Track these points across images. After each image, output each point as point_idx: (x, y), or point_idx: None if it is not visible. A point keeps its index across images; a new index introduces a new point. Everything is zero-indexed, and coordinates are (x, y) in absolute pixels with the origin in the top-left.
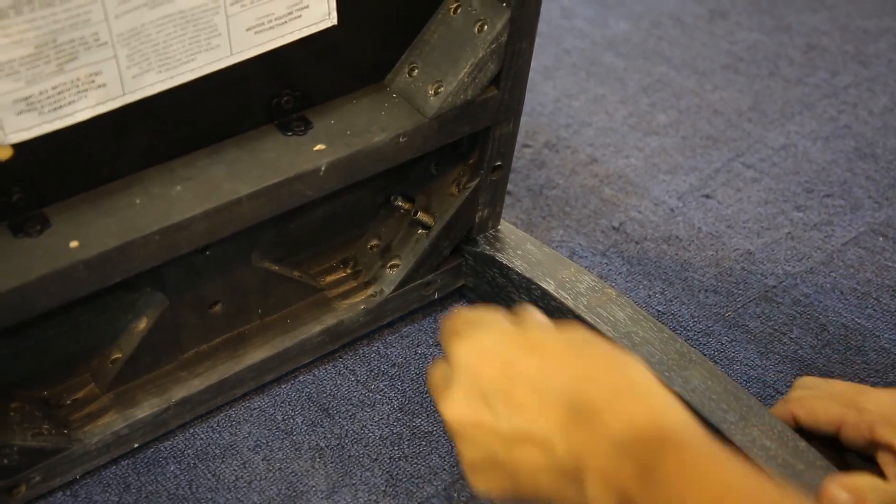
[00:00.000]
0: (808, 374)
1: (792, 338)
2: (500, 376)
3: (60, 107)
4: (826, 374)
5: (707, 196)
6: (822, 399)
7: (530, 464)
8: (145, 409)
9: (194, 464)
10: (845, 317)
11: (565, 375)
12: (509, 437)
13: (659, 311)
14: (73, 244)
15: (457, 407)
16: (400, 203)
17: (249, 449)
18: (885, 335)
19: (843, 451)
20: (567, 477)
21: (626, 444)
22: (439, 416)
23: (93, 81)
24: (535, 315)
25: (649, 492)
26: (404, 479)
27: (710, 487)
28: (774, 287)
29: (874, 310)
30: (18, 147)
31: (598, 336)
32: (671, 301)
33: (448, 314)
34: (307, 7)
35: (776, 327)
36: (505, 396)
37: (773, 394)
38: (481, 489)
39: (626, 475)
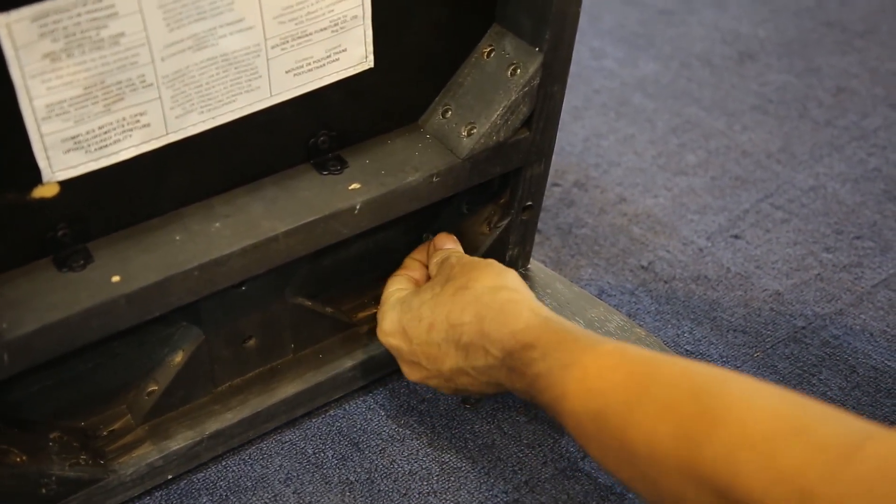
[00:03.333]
0: None
1: (821, 379)
2: (407, 345)
3: (106, 145)
4: None
5: (736, 236)
6: None
7: (470, 384)
8: (179, 442)
9: (226, 496)
10: (875, 359)
11: (442, 326)
12: (445, 375)
13: (688, 350)
14: (115, 279)
15: (408, 374)
16: None
17: (280, 482)
18: None
19: None
20: (496, 385)
21: (504, 362)
22: (469, 451)
23: (138, 121)
24: (439, 246)
25: (536, 388)
26: None
27: (572, 366)
28: (803, 328)
29: None
30: (64, 184)
31: (456, 262)
32: (700, 341)
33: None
34: (345, 50)
35: (805, 368)
36: (421, 356)
37: None
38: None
39: (517, 383)
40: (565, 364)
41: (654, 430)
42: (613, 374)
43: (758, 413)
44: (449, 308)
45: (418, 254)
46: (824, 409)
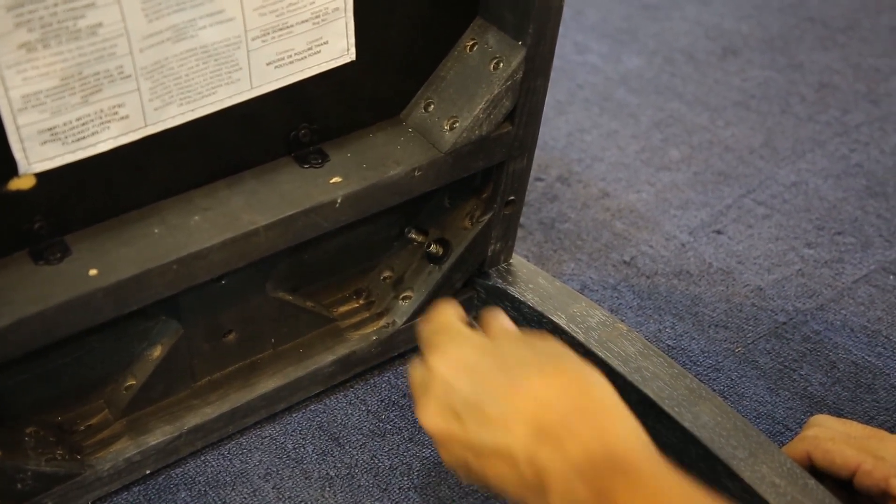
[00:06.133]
0: (817, 412)
1: (802, 374)
2: (471, 392)
3: (84, 137)
4: (836, 411)
5: (718, 232)
6: (839, 441)
7: (497, 474)
8: (158, 437)
9: (205, 491)
10: (855, 354)
11: (530, 397)
12: (478, 449)
13: (669, 345)
14: (93, 272)
15: (431, 417)
16: (413, 235)
17: (260, 477)
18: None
19: (855, 494)
20: (531, 489)
21: (581, 469)
22: None
23: (116, 113)
24: (504, 324)
25: None
26: None
27: None
28: (785, 323)
29: (884, 348)
30: (41, 176)
31: (564, 348)
32: (681, 336)
33: (425, 318)
34: (326, 43)
35: (786, 364)
36: (475, 411)
37: (783, 430)
38: (462, 478)
39: (582, 498)
40: None
41: None
42: None
43: None
44: (549, 382)
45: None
46: None
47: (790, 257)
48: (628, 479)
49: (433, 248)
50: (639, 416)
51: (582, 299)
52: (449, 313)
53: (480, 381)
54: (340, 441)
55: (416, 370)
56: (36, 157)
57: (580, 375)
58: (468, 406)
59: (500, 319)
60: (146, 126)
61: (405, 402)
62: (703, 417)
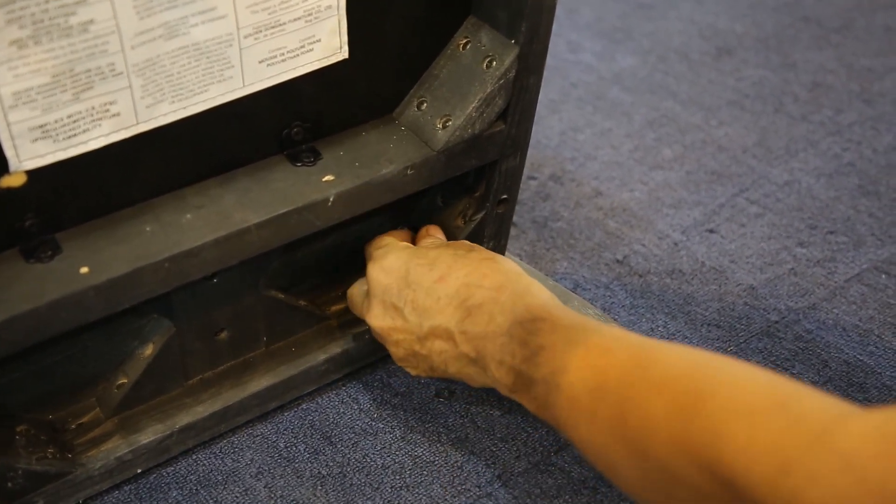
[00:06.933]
0: None
1: (794, 373)
2: (406, 287)
3: (75, 135)
4: None
5: (711, 231)
6: None
7: (439, 352)
8: (149, 435)
9: (196, 490)
10: (847, 353)
11: (458, 284)
12: (418, 333)
13: None
14: (84, 270)
15: (376, 317)
16: None
17: (251, 476)
18: (887, 372)
19: None
20: (470, 360)
21: (511, 330)
22: (442, 445)
23: (107, 110)
24: (431, 234)
25: (534, 362)
26: None
27: (576, 344)
28: (777, 322)
29: (876, 347)
30: (32, 174)
31: (475, 245)
32: (674, 335)
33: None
34: (319, 41)
35: (778, 363)
36: (411, 303)
37: None
38: (412, 374)
39: (514, 355)
40: (571, 340)
41: (648, 404)
42: (616, 353)
43: (744, 389)
44: (471, 269)
45: (400, 234)
46: (809, 389)
47: (783, 256)
48: (548, 323)
49: None
50: None
51: (575, 298)
52: (388, 235)
53: (413, 278)
54: (332, 440)
55: (355, 288)
56: (27, 155)
57: (495, 262)
58: (404, 300)
59: (430, 237)
60: (138, 124)
61: (398, 401)
62: None
